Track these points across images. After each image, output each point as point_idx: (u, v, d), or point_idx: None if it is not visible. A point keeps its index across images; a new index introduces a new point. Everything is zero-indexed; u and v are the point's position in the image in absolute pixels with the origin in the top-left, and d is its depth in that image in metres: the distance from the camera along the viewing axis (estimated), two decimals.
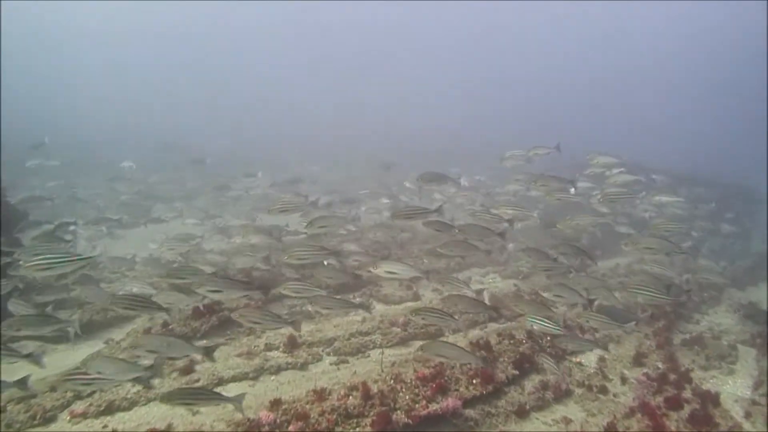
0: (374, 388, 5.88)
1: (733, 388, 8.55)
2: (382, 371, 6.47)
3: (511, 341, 7.62)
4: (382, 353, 7.36)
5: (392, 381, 6.11)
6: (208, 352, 5.84)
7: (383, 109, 65.39)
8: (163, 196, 21.24)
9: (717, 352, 9.44)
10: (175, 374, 7.15)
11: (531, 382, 7.11)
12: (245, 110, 64.00)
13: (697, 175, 21.01)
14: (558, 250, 8.46)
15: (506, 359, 7.16)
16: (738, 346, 9.93)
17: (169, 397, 4.96)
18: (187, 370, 7.19)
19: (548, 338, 8.06)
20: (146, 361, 6.09)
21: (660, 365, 8.27)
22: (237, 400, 5.08)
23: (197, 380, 6.96)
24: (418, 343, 8.27)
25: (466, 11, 77.94)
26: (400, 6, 78.91)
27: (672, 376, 7.85)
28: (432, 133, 44.01)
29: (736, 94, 68.43)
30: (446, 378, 6.28)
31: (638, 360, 8.40)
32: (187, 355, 6.98)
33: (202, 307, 8.77)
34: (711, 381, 8.62)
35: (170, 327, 8.54)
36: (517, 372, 6.94)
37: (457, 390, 6.14)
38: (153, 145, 23.97)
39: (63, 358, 8.05)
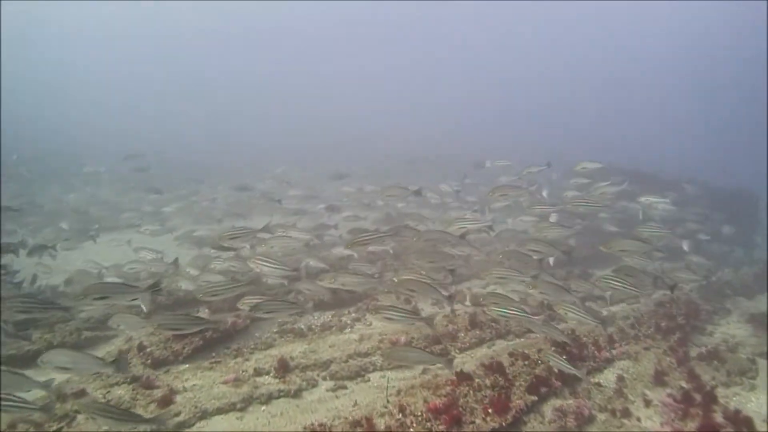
0: (380, 424, 5.17)
1: (757, 406, 7.96)
2: (388, 402, 5.75)
3: (526, 362, 6.95)
4: (388, 381, 6.62)
5: (400, 414, 5.39)
6: (120, 365, 5.29)
7: (378, 115, 65.00)
8: (128, 205, 20.23)
9: (737, 366, 8.88)
10: (152, 406, 6.36)
11: (550, 408, 6.43)
12: (234, 116, 63.38)
13: (711, 182, 20.76)
14: (530, 247, 8.30)
15: (522, 383, 6.48)
16: (756, 359, 9.40)
17: (85, 408, 4.77)
18: (166, 400, 6.39)
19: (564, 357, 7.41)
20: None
21: (683, 384, 7.66)
22: (159, 421, 4.80)
23: (177, 413, 6.17)
24: (422, 365, 7.62)
25: (462, 12, 77.68)
26: (398, 6, 78.23)
27: (697, 396, 7.25)
28: (432, 138, 43.58)
29: (736, 96, 68.90)
30: (460, 407, 5.58)
31: (659, 378, 7.79)
32: (99, 372, 6.67)
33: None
34: (734, 399, 8.05)
35: (148, 350, 7.73)
36: (535, 398, 6.25)
37: (473, 422, 5.43)
38: (120, 153, 22.93)
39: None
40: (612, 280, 7.31)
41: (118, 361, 5.11)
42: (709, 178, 21.80)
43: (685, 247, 14.48)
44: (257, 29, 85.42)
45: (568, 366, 6.37)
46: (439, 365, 7.55)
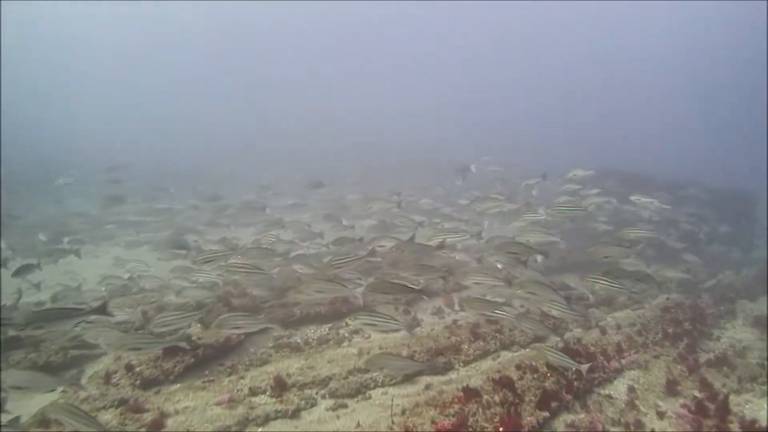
0: None
1: None
2: (393, 423, 5.42)
3: (534, 375, 6.64)
4: (392, 400, 6.28)
5: None
6: (74, 381, 5.42)
7: (377, 115, 64.69)
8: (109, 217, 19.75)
9: (747, 372, 8.64)
10: (142, 430, 5.99)
11: (562, 423, 6.13)
12: (234, 117, 62.87)
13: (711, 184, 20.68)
14: (504, 249, 8.45)
15: (532, 397, 6.18)
16: (766, 364, 9.17)
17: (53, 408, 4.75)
18: (157, 424, 6.03)
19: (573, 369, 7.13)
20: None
21: (696, 393, 7.39)
22: None
23: None
24: (426, 380, 7.32)
25: (462, 12, 77.16)
26: (392, 6, 77.47)
27: (710, 406, 6.97)
28: (431, 138, 43.42)
29: (736, 96, 68.78)
30: (470, 427, 5.27)
31: (671, 388, 7.51)
32: (53, 389, 6.21)
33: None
34: (747, 406, 7.78)
35: (137, 370, 7.35)
36: (547, 414, 5.95)
37: None
38: (120, 159, 22.35)
39: (15, 408, 6.77)
40: (598, 279, 7.50)
41: (72, 376, 4.96)
42: (709, 178, 21.72)
43: (674, 243, 14.41)
44: (257, 31, 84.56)
45: (569, 360, 6.29)
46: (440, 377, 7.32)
